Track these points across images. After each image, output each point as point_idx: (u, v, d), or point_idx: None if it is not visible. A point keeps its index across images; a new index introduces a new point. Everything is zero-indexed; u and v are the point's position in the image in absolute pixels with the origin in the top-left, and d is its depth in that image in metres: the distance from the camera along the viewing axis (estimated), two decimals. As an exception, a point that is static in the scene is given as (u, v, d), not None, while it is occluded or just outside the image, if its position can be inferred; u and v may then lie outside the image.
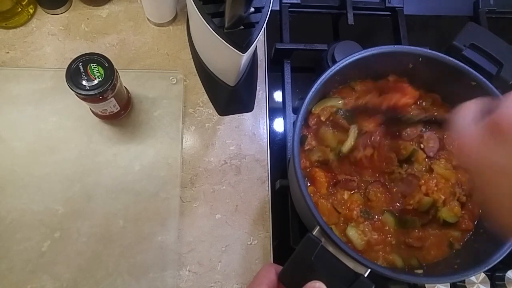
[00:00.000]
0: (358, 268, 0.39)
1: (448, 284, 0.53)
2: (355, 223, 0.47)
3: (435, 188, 0.48)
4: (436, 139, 0.51)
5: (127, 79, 0.59)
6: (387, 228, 0.48)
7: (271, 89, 0.65)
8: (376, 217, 0.48)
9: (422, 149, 0.51)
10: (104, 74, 0.49)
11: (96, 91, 0.48)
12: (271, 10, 0.46)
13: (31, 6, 0.62)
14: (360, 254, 0.40)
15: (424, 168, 0.50)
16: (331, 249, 0.40)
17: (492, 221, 0.31)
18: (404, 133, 0.51)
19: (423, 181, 0.49)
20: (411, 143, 0.51)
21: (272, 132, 0.63)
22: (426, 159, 0.50)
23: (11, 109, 0.57)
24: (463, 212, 0.48)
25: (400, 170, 0.50)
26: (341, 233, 0.47)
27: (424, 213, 0.48)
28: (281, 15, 0.67)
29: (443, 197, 0.48)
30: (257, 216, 0.58)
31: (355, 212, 0.48)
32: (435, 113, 0.52)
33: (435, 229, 0.48)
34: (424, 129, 0.51)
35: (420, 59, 0.48)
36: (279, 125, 0.64)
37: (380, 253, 0.47)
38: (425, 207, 0.48)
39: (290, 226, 0.56)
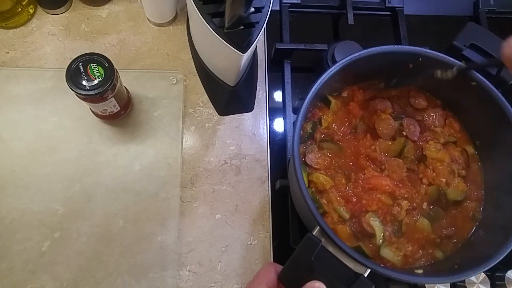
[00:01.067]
0: (358, 268, 0.39)
1: (448, 284, 0.53)
2: (388, 242, 0.46)
3: (434, 174, 0.49)
4: (415, 122, 0.52)
5: (127, 79, 0.59)
6: (425, 233, 0.47)
7: (271, 89, 0.65)
8: (406, 228, 0.48)
9: (406, 136, 0.51)
10: (104, 74, 0.49)
11: (96, 91, 0.48)
12: (271, 10, 0.46)
13: (31, 6, 0.62)
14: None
15: (415, 157, 0.50)
16: (331, 249, 0.40)
17: None
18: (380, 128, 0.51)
19: (421, 174, 0.49)
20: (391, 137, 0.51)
21: (272, 132, 0.63)
22: (416, 149, 0.51)
23: (11, 109, 0.57)
24: (467, 184, 0.49)
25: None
26: (372, 252, 0.46)
27: (436, 201, 0.49)
28: (281, 15, 0.67)
29: (444, 179, 0.48)
30: (257, 216, 0.58)
31: (387, 233, 0.47)
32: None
33: (455, 210, 0.49)
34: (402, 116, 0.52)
35: (420, 59, 0.48)
36: (279, 125, 0.64)
37: (422, 259, 0.47)
38: (434, 197, 0.49)
39: (290, 226, 0.56)
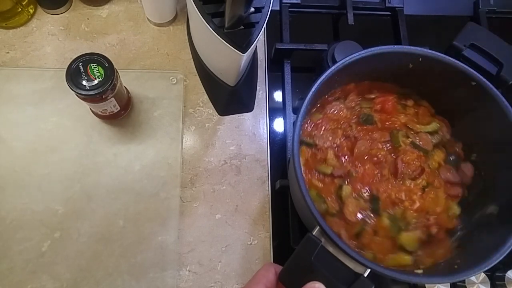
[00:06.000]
0: (358, 268, 0.39)
1: (448, 284, 0.53)
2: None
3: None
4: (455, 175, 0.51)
5: (127, 79, 0.59)
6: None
7: (271, 89, 0.65)
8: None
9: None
10: (104, 74, 0.49)
11: (96, 91, 0.48)
12: (271, 10, 0.46)
13: (31, 6, 0.62)
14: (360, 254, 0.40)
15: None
16: (331, 249, 0.40)
17: None
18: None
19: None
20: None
21: (272, 132, 0.63)
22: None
23: (11, 109, 0.57)
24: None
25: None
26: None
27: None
28: (281, 15, 0.67)
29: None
30: (257, 216, 0.58)
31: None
32: None
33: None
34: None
35: (420, 59, 0.48)
36: (279, 125, 0.64)
37: None
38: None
39: (290, 226, 0.56)
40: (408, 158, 0.50)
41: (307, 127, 0.50)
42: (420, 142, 0.51)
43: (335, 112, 0.52)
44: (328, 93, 0.52)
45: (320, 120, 0.51)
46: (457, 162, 0.51)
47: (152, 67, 0.63)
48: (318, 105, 0.52)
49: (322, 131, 0.50)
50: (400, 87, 0.53)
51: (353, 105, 0.53)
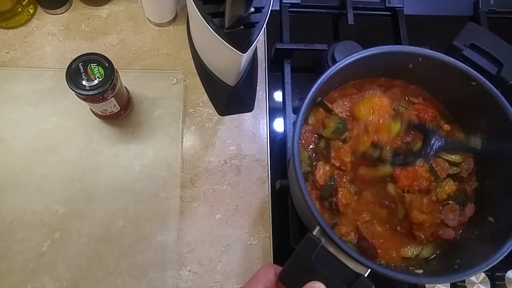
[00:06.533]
0: (358, 268, 0.39)
1: (448, 284, 0.53)
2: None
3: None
4: (457, 210, 0.49)
5: (127, 79, 0.59)
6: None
7: (271, 89, 0.65)
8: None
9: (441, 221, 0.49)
10: (104, 74, 0.49)
11: (96, 91, 0.48)
12: (271, 10, 0.46)
13: (31, 6, 0.62)
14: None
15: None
16: (331, 249, 0.40)
17: None
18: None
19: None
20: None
21: (272, 132, 0.63)
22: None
23: (11, 109, 0.57)
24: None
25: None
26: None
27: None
28: (281, 15, 0.67)
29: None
30: (257, 216, 0.58)
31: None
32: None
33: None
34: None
35: (420, 59, 0.48)
36: (279, 125, 0.64)
37: None
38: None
39: (290, 226, 0.56)
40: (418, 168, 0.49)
41: (335, 93, 0.52)
42: (435, 165, 0.49)
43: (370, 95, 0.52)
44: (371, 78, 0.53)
45: (352, 96, 0.52)
46: (464, 201, 0.49)
47: (152, 67, 0.63)
48: (355, 83, 0.53)
49: (346, 102, 0.51)
50: (447, 109, 0.53)
51: (392, 98, 0.52)
